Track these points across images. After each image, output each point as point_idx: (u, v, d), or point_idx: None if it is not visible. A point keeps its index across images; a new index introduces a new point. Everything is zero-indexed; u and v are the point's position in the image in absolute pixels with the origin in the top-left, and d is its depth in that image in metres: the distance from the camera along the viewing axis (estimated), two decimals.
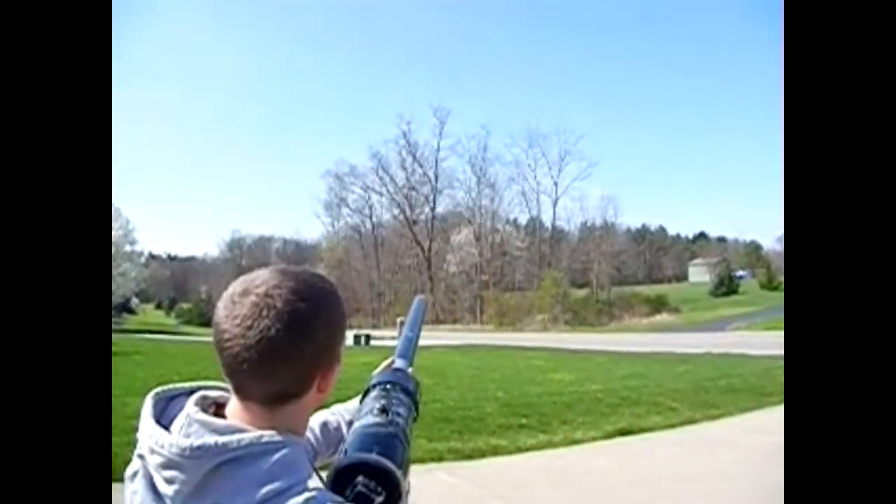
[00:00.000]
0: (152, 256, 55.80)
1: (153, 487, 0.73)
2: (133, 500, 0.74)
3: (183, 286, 75.72)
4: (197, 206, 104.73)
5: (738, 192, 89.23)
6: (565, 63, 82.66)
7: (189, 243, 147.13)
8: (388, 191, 57.64)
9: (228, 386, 0.78)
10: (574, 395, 9.15)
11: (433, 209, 56.60)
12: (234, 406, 0.77)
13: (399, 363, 1.08)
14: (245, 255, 68.69)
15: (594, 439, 6.63)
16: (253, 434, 0.71)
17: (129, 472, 0.76)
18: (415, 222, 56.42)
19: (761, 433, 6.51)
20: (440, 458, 5.70)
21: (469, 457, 5.87)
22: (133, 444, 0.76)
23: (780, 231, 51.04)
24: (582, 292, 51.71)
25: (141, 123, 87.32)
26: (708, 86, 79.88)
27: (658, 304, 45.19)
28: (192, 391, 0.82)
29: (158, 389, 0.81)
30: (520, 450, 6.21)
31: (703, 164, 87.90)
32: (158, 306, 76.49)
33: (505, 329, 40.63)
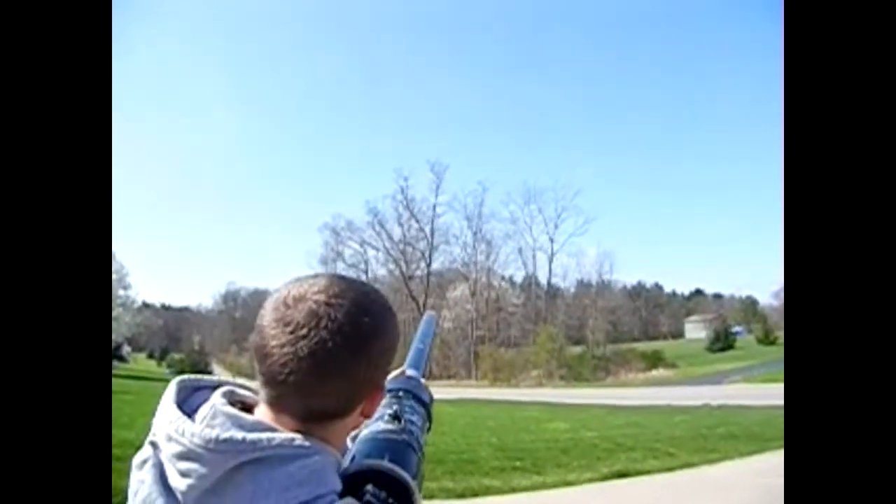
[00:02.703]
0: (146, 305, 55.11)
1: (163, 479, 0.65)
2: (139, 490, 0.67)
3: (175, 336, 74.50)
4: (192, 257, 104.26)
5: (734, 249, 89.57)
6: (562, 119, 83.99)
7: (183, 293, 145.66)
8: (384, 246, 57.54)
9: (259, 390, 0.71)
10: (569, 442, 8.99)
11: (429, 265, 56.49)
12: (263, 413, 0.70)
13: (411, 372, 1.04)
14: (240, 307, 68.22)
15: (589, 481, 6.47)
16: (284, 435, 0.65)
17: (137, 459, 0.69)
18: (411, 277, 56.20)
19: (762, 475, 6.34)
20: (431, 497, 5.54)
21: (461, 496, 5.73)
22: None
23: (776, 286, 50.80)
24: (578, 348, 50.99)
25: (138, 170, 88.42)
26: (704, 142, 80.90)
27: (654, 360, 44.50)
28: (218, 385, 0.76)
29: (183, 377, 0.76)
30: (513, 490, 6.07)
31: (699, 221, 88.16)
32: (150, 356, 74.84)
33: (500, 384, 39.84)
